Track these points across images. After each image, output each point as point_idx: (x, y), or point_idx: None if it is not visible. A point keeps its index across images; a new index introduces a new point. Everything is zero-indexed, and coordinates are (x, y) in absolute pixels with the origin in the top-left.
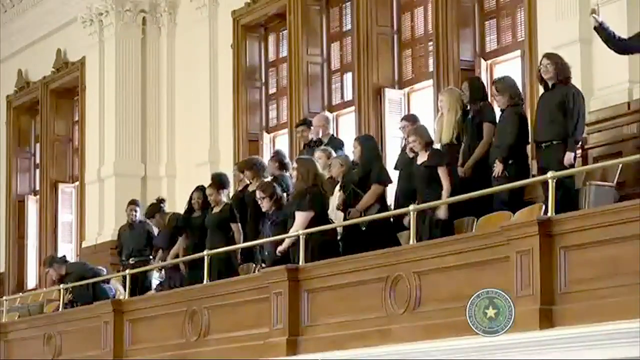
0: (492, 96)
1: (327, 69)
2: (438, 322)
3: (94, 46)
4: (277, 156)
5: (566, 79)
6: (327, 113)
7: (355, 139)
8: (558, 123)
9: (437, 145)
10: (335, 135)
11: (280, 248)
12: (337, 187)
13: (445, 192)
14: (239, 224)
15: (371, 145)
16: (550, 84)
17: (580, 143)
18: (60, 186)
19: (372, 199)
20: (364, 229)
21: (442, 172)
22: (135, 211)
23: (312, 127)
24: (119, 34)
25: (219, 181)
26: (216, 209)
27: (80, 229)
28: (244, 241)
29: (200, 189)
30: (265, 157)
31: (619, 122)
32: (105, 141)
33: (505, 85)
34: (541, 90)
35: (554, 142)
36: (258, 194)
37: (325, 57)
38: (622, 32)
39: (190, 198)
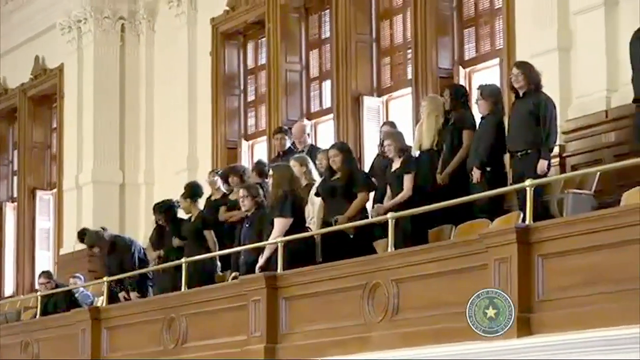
0: (478, 103)
1: (305, 76)
2: (416, 329)
3: (73, 53)
4: (259, 166)
5: (537, 88)
6: (305, 122)
7: (333, 147)
8: (531, 131)
9: (416, 153)
10: (314, 143)
11: (260, 263)
12: (313, 193)
13: (399, 197)
14: (212, 231)
15: (351, 153)
16: (521, 92)
17: (553, 151)
18: (38, 193)
19: (360, 207)
20: (352, 236)
21: (407, 179)
22: None
23: (288, 136)
24: (98, 41)
25: (192, 190)
26: (192, 219)
27: (58, 236)
28: (220, 249)
29: (158, 209)
30: (244, 165)
31: (597, 130)
32: (84, 148)
33: (491, 92)
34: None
35: (528, 151)
36: (241, 192)
37: (304, 64)
38: (600, 41)
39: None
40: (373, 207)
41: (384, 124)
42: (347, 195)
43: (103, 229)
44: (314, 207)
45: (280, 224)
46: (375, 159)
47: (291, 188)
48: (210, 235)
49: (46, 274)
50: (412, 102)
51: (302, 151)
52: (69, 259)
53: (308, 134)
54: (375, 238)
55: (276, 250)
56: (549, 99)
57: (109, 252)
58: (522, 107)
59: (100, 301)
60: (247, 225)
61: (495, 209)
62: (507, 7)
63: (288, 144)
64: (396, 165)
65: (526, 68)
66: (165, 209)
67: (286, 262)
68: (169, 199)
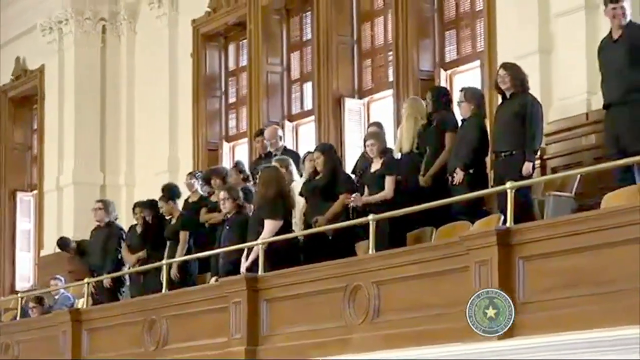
0: (460, 105)
1: (287, 78)
2: (397, 331)
3: (53, 54)
4: (239, 166)
5: (524, 89)
6: (277, 127)
7: (316, 149)
8: (516, 133)
9: (397, 155)
10: (294, 146)
11: (246, 264)
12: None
13: (379, 196)
14: (187, 233)
15: (334, 154)
16: (507, 94)
17: (537, 153)
18: (19, 195)
19: (340, 209)
20: (330, 238)
21: (388, 180)
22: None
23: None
24: (79, 42)
25: (170, 192)
26: (173, 220)
27: (39, 237)
28: (199, 250)
29: (139, 205)
30: (225, 167)
31: (578, 132)
32: (64, 149)
33: (473, 94)
34: (499, 100)
35: (513, 152)
36: (222, 194)
37: (285, 66)
38: (581, 43)
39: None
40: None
41: (371, 124)
42: (329, 196)
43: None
44: (298, 207)
45: (271, 225)
46: (358, 159)
47: (281, 189)
48: (184, 236)
49: (37, 299)
50: (393, 104)
51: (275, 154)
52: (49, 261)
53: (281, 137)
54: (357, 239)
55: (265, 251)
56: (535, 100)
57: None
58: (508, 108)
59: (81, 303)
60: (227, 228)
61: (476, 211)
62: (488, 9)
63: (268, 147)
64: (376, 166)
65: (513, 70)
66: (150, 205)
67: (270, 263)
68: (151, 199)
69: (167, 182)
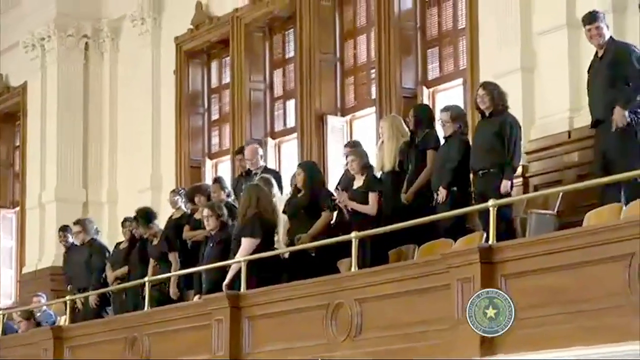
0: (442, 123)
1: (269, 95)
2: (379, 349)
3: (36, 71)
4: (220, 182)
5: (503, 108)
6: (258, 145)
7: (299, 166)
8: (494, 151)
9: (378, 173)
10: (277, 163)
11: (225, 282)
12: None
13: (362, 208)
14: (176, 253)
15: (316, 171)
16: (487, 112)
17: (516, 171)
18: (1, 211)
19: (323, 226)
20: (313, 255)
21: (371, 197)
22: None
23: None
24: (61, 59)
25: (146, 215)
26: (154, 242)
27: (21, 254)
28: (182, 268)
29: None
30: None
31: (560, 150)
32: (47, 166)
33: (455, 113)
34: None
35: (491, 170)
36: (206, 212)
37: (268, 83)
38: (563, 61)
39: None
40: (334, 225)
41: (347, 144)
42: (312, 214)
43: (97, 230)
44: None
45: (247, 243)
46: (342, 176)
47: (262, 209)
48: (174, 257)
49: (26, 313)
50: (376, 122)
51: (256, 173)
52: (31, 278)
53: (261, 156)
54: (340, 257)
55: (247, 269)
56: (514, 120)
57: (83, 243)
58: (488, 127)
59: (63, 320)
60: (211, 245)
61: (457, 228)
62: (470, 28)
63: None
64: (358, 183)
65: (492, 89)
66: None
67: (253, 281)
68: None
69: (140, 207)
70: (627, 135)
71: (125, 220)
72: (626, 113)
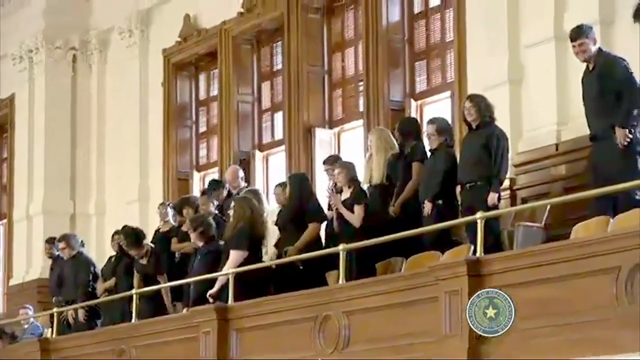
0: (428, 136)
1: (257, 108)
2: None
3: (24, 83)
4: (210, 191)
5: (490, 120)
6: (238, 167)
7: (288, 178)
8: (481, 164)
9: (365, 186)
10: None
11: (211, 291)
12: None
13: (349, 216)
14: (164, 275)
15: (303, 183)
16: (474, 125)
17: (503, 184)
18: None
19: (310, 238)
20: (301, 267)
21: (357, 209)
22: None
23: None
24: (49, 71)
25: (135, 237)
26: (142, 260)
27: (8, 266)
28: (170, 280)
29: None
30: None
31: (547, 163)
32: (34, 178)
33: (442, 126)
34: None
35: (478, 183)
36: (186, 226)
37: (255, 96)
38: (551, 74)
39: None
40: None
41: (325, 161)
42: (300, 226)
43: (82, 243)
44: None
45: (235, 256)
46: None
47: (251, 221)
48: (163, 280)
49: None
50: (364, 134)
51: (238, 194)
52: (18, 290)
53: (242, 178)
54: (328, 269)
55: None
56: (501, 132)
57: (70, 259)
58: (475, 139)
59: (50, 332)
60: (198, 258)
61: (444, 241)
62: (458, 40)
63: (225, 193)
64: (345, 195)
65: (478, 101)
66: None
67: (241, 293)
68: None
69: (128, 227)
70: (624, 151)
71: (116, 233)
72: (626, 131)
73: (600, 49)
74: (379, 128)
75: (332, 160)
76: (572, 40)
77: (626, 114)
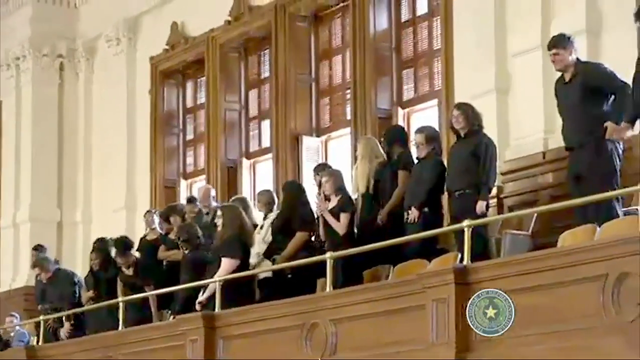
0: (417, 145)
1: (244, 116)
2: None
3: (11, 91)
4: (194, 202)
5: (478, 128)
6: (210, 187)
7: (283, 185)
8: (470, 172)
9: (354, 195)
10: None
11: (200, 299)
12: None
13: (335, 224)
14: (152, 286)
15: (294, 191)
16: (462, 133)
17: (491, 192)
18: None
19: (297, 246)
20: (290, 276)
21: (343, 217)
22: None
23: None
24: (36, 79)
25: (123, 245)
26: (128, 271)
27: None
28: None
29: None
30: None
31: (534, 171)
32: (21, 186)
33: (429, 134)
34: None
35: (467, 191)
36: (177, 233)
37: (243, 104)
38: (538, 83)
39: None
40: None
41: (315, 168)
42: (290, 234)
43: (56, 260)
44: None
45: (227, 264)
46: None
47: (241, 229)
48: (150, 289)
49: None
50: (351, 142)
51: (208, 213)
52: (5, 297)
53: (214, 197)
54: (317, 276)
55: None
56: (489, 140)
57: (49, 279)
58: (463, 147)
59: (36, 340)
60: (184, 265)
61: (430, 249)
62: (445, 49)
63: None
64: (333, 203)
65: (466, 109)
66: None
67: (228, 301)
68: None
69: (118, 237)
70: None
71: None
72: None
73: (578, 59)
74: (366, 137)
75: (321, 169)
76: (547, 49)
77: (620, 109)
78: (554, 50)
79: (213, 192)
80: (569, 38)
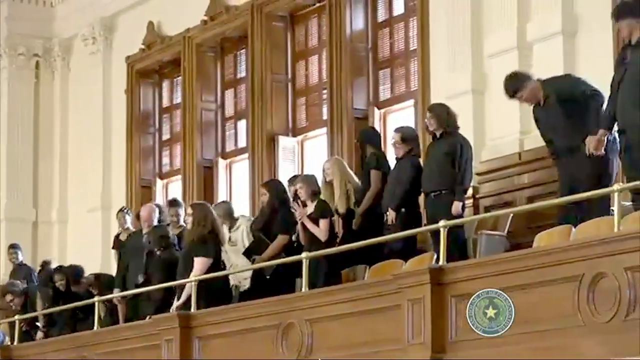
0: (393, 144)
1: (221, 115)
2: None
3: None
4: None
5: (453, 129)
6: (155, 206)
7: (263, 185)
8: (445, 173)
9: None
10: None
11: (177, 303)
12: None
13: (314, 229)
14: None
15: (279, 191)
16: (437, 134)
17: (467, 192)
18: None
19: (277, 250)
20: (268, 277)
21: (322, 223)
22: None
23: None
24: (12, 77)
25: (74, 274)
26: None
27: None
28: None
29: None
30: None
31: (510, 172)
32: None
33: (407, 134)
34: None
35: (442, 192)
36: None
37: (219, 103)
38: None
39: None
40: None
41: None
42: (270, 235)
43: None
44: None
45: (201, 263)
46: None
47: (213, 228)
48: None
49: None
50: (327, 143)
51: (147, 233)
52: None
53: (156, 218)
54: (296, 277)
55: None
56: (465, 140)
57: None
58: (438, 148)
59: (9, 339)
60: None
61: (408, 250)
62: (422, 49)
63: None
64: (310, 209)
65: (438, 112)
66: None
67: (204, 301)
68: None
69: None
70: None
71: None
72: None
73: (542, 81)
74: (335, 158)
75: (293, 179)
76: (509, 96)
77: (594, 116)
78: (518, 95)
79: (157, 213)
80: (525, 76)
